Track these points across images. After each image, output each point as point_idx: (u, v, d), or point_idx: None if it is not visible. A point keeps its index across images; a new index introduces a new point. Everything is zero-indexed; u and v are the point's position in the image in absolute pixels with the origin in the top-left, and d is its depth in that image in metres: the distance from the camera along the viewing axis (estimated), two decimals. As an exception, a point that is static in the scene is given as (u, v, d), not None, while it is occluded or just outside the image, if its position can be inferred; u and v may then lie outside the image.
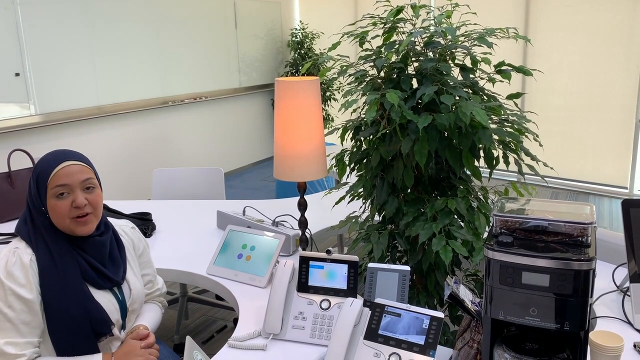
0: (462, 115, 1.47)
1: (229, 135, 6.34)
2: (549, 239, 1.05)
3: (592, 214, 1.07)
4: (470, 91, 1.67)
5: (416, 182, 1.75)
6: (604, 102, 5.21)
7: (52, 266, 1.29)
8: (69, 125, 4.43)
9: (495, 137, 1.62)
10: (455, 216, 1.63)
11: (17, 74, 3.96)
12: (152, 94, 5.12)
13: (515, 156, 1.66)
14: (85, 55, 4.44)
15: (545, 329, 1.07)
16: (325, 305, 1.42)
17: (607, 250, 1.83)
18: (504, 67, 1.66)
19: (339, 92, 7.01)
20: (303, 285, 1.45)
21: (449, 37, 1.61)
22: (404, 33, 1.72)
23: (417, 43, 1.71)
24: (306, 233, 1.99)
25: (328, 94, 6.89)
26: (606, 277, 1.70)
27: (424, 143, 1.57)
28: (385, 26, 1.72)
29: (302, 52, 6.85)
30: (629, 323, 1.42)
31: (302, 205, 1.94)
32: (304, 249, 1.97)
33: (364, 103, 1.63)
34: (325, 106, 6.99)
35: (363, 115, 1.83)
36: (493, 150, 1.64)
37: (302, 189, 1.92)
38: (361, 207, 2.13)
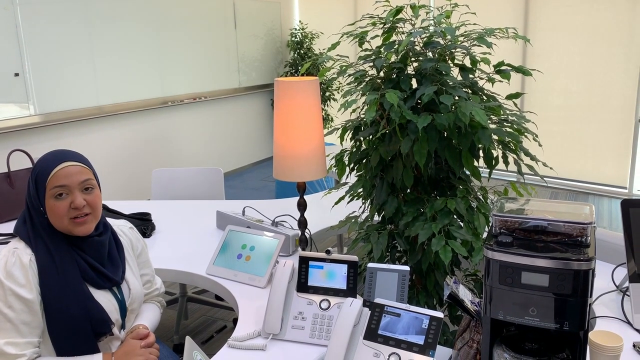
0: (461, 115, 1.47)
1: (228, 135, 6.34)
2: (549, 239, 1.05)
3: (592, 214, 1.07)
4: (470, 91, 1.67)
5: (416, 182, 1.75)
6: (604, 102, 5.21)
7: (51, 266, 1.29)
8: (69, 126, 4.43)
9: (495, 137, 1.62)
10: (455, 216, 1.63)
11: (17, 74, 3.96)
12: (151, 94, 5.12)
13: (515, 156, 1.66)
14: (85, 55, 4.44)
15: (544, 329, 1.07)
16: (324, 305, 1.42)
17: (607, 250, 1.83)
18: (503, 67, 1.66)
19: (338, 92, 7.01)
20: (303, 286, 1.45)
21: (449, 37, 1.61)
22: (403, 33, 1.72)
23: (416, 43, 1.71)
24: (306, 233, 1.99)
25: (327, 94, 6.89)
26: (605, 277, 1.70)
27: (424, 143, 1.57)
28: (385, 26, 1.72)
29: (302, 52, 6.85)
30: (629, 323, 1.42)
31: (302, 206, 1.94)
32: (303, 249, 1.97)
33: (363, 103, 1.63)
34: (324, 106, 6.99)
35: (362, 116, 1.83)
36: (492, 150, 1.64)
37: (301, 189, 1.92)
38: (361, 207, 2.13)
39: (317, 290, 1.44)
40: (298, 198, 2.02)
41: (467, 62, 1.75)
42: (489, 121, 1.63)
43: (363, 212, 1.95)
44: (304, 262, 1.46)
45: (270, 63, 6.87)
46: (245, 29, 6.34)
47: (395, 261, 1.85)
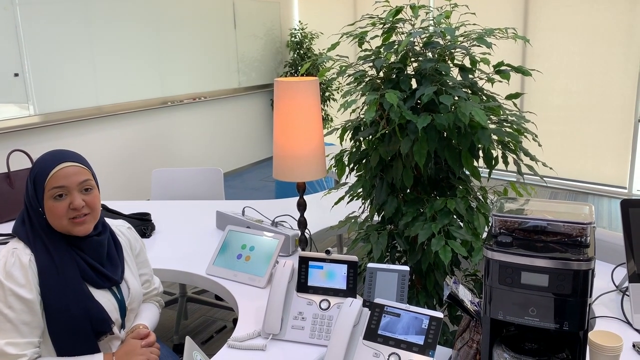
0: (461, 115, 1.47)
1: (228, 135, 6.34)
2: (548, 239, 1.05)
3: (591, 214, 1.07)
4: (470, 91, 1.67)
5: (415, 182, 1.75)
6: (603, 102, 5.21)
7: (51, 266, 1.29)
8: (68, 126, 4.43)
9: (495, 137, 1.63)
10: (455, 216, 1.63)
11: (16, 74, 3.96)
12: (151, 94, 5.12)
13: (515, 156, 1.66)
14: (85, 55, 4.44)
15: (544, 329, 1.07)
16: (324, 305, 1.42)
17: (606, 250, 1.83)
18: (503, 67, 1.66)
19: (338, 93, 7.01)
20: (302, 286, 1.45)
21: (448, 37, 1.61)
22: (403, 33, 1.72)
23: (416, 43, 1.71)
24: (305, 233, 1.99)
25: (327, 94, 6.89)
26: (605, 277, 1.70)
27: (423, 143, 1.57)
28: (385, 26, 1.73)
29: (301, 52, 6.85)
30: (628, 323, 1.42)
31: (302, 206, 1.94)
32: (303, 249, 1.97)
33: (363, 103, 1.64)
34: (324, 106, 6.99)
35: (362, 116, 1.83)
36: (492, 151, 1.64)
37: (301, 189, 1.92)
38: (360, 207, 2.13)
39: (316, 290, 1.44)
40: (298, 198, 2.02)
41: (467, 63, 1.75)
42: (488, 121, 1.63)
43: (363, 212, 1.95)
44: (303, 262, 1.46)
45: (270, 63, 6.87)
46: (245, 29, 6.34)
47: (395, 261, 1.85)
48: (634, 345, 1.31)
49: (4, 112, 3.90)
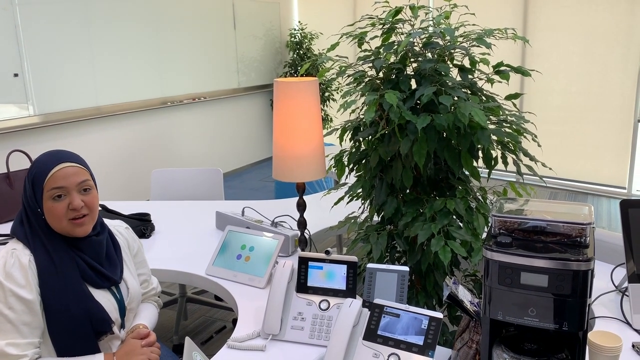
0: (460, 115, 1.47)
1: (227, 135, 6.34)
2: (548, 239, 1.05)
3: (591, 215, 1.07)
4: (469, 92, 1.67)
5: (415, 183, 1.75)
6: (603, 102, 5.22)
7: (51, 267, 1.29)
8: (68, 126, 4.43)
9: (494, 137, 1.63)
10: (454, 216, 1.63)
11: (16, 75, 3.96)
12: (150, 95, 5.12)
13: (514, 156, 1.66)
14: (84, 55, 4.44)
15: (544, 329, 1.08)
16: (324, 305, 1.42)
17: (606, 251, 1.83)
18: (502, 68, 1.66)
19: (337, 93, 7.01)
20: (302, 286, 1.45)
21: (448, 37, 1.61)
22: (402, 34, 1.72)
23: (415, 44, 1.71)
24: (305, 233, 1.99)
25: (327, 94, 6.89)
26: (604, 277, 1.70)
27: (423, 143, 1.57)
28: (384, 27, 1.73)
29: (301, 52, 6.85)
30: (628, 323, 1.42)
31: (301, 206, 1.94)
32: (303, 250, 1.97)
33: (362, 104, 1.64)
34: (324, 107, 6.99)
35: (362, 116, 1.83)
36: (492, 151, 1.64)
37: (301, 189, 1.92)
38: (360, 207, 2.13)
39: (316, 290, 1.44)
40: (297, 198, 2.02)
41: (467, 63, 1.75)
42: (488, 122, 1.63)
43: (362, 212, 1.95)
44: (303, 263, 1.46)
45: (270, 63, 6.87)
46: (245, 30, 6.34)
47: (395, 261, 1.85)
48: (633, 346, 1.32)
49: (4, 113, 3.90)
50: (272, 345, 1.39)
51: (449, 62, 1.69)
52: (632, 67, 4.98)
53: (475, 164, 1.65)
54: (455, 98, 1.55)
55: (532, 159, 1.65)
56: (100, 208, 2.29)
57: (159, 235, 2.21)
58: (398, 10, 1.68)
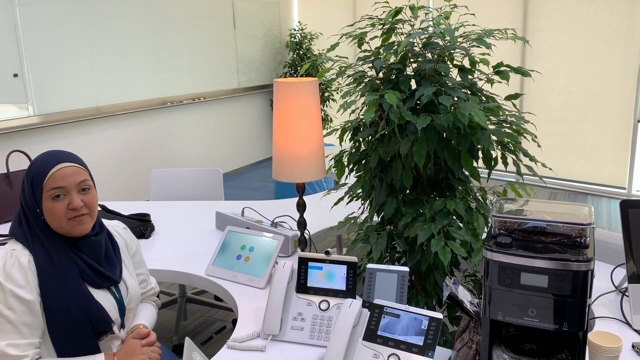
0: (460, 116, 1.47)
1: (227, 136, 6.34)
2: (548, 239, 1.05)
3: (591, 215, 1.07)
4: (469, 92, 1.67)
5: (415, 183, 1.75)
6: (603, 103, 5.22)
7: (50, 267, 1.29)
8: (68, 126, 4.43)
9: (494, 137, 1.63)
10: (454, 217, 1.63)
11: (16, 75, 3.96)
12: (150, 95, 5.12)
13: (514, 157, 1.66)
14: (84, 55, 4.44)
15: (543, 330, 1.08)
16: (324, 306, 1.42)
17: (606, 251, 1.83)
18: (502, 68, 1.66)
19: (337, 93, 7.01)
20: (302, 286, 1.45)
21: (448, 38, 1.61)
22: (402, 34, 1.72)
23: (415, 44, 1.71)
24: (305, 234, 1.99)
25: (327, 94, 6.89)
26: (604, 277, 1.70)
27: (423, 144, 1.57)
28: (384, 27, 1.73)
29: (301, 52, 6.85)
30: (628, 323, 1.42)
31: (301, 206, 1.94)
32: (302, 250, 1.97)
33: (362, 104, 1.64)
34: (324, 107, 6.99)
35: (362, 116, 1.83)
36: (491, 151, 1.64)
37: (301, 189, 1.92)
38: (360, 207, 2.13)
39: (316, 291, 1.44)
40: (297, 199, 2.02)
41: (466, 63, 1.75)
42: (488, 122, 1.63)
43: (362, 212, 1.95)
44: (303, 263, 1.46)
45: (270, 64, 6.87)
46: (244, 30, 6.34)
47: (395, 262, 1.85)
48: (633, 346, 1.32)
49: (3, 113, 3.90)
50: (272, 345, 1.39)
51: (448, 63, 1.69)
52: (632, 67, 4.99)
53: (475, 164, 1.65)
54: (455, 98, 1.55)
55: (532, 159, 1.65)
56: (100, 208, 2.29)
57: (159, 236, 2.21)
58: (398, 11, 1.68)
